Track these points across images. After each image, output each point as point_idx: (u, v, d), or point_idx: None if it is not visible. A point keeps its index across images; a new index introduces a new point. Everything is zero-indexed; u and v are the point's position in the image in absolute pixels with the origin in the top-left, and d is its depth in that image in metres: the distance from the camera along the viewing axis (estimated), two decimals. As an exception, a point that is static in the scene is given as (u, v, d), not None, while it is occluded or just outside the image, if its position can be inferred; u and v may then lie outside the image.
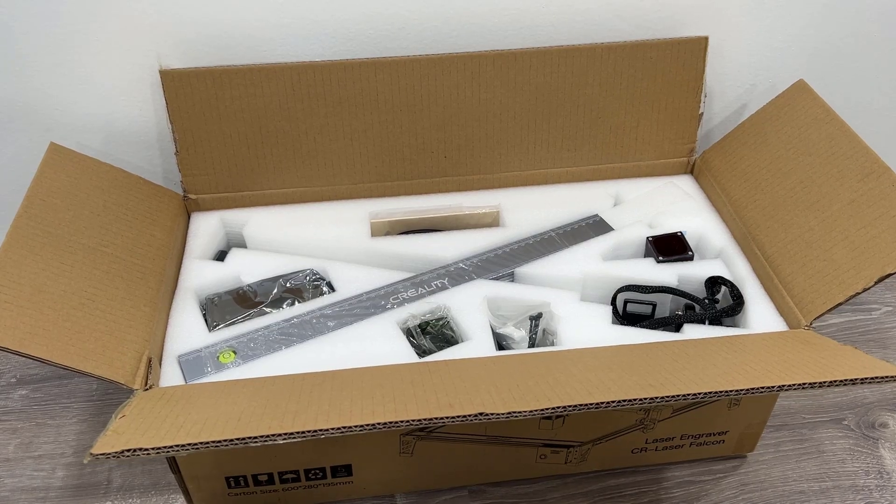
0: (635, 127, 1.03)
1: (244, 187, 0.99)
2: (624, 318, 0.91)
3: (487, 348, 0.82)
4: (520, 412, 0.62)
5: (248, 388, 0.72)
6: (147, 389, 0.74)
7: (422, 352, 0.83)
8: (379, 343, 0.82)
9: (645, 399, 0.64)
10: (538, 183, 1.05)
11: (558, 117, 1.01)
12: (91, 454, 0.59)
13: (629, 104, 1.01)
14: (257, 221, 0.99)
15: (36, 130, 0.99)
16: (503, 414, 0.62)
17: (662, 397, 0.64)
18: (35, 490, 0.88)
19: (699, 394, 0.64)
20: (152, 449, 0.59)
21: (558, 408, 0.63)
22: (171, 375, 0.79)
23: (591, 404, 0.63)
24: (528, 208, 1.01)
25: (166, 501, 0.86)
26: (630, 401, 0.63)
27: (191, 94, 0.92)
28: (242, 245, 0.99)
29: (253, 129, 0.95)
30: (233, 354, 0.81)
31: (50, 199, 0.83)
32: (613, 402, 0.63)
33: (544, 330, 0.88)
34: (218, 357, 0.81)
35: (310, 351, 0.81)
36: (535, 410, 0.62)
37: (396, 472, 0.83)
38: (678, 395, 0.64)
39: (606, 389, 0.65)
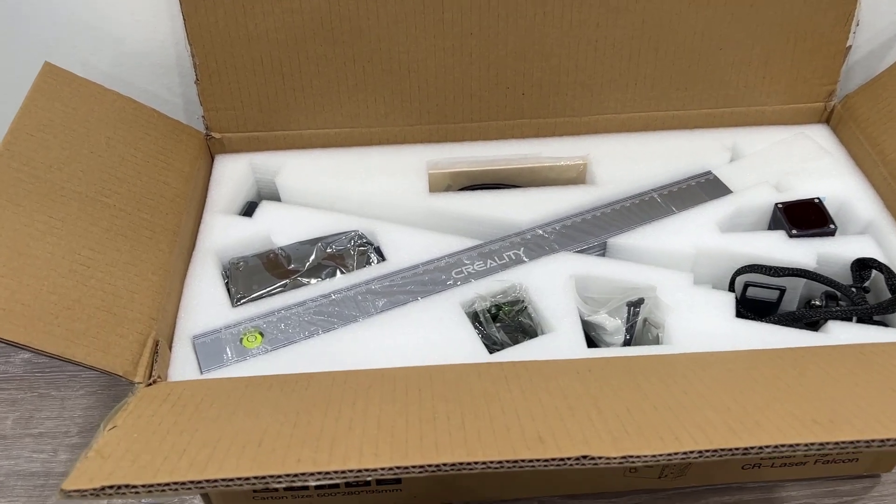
0: (764, 62, 0.82)
1: (278, 126, 0.82)
2: (742, 304, 0.72)
3: (576, 345, 0.65)
4: (638, 456, 0.46)
5: (274, 390, 0.56)
6: (151, 384, 0.59)
7: (492, 343, 0.66)
8: (439, 331, 0.66)
9: (813, 444, 0.46)
10: (638, 129, 0.85)
11: (668, 46, 0.80)
12: (63, 490, 0.44)
13: (759, 32, 0.80)
14: (293, 168, 0.82)
15: (30, 48, 0.82)
16: (616, 458, 0.46)
17: (838, 443, 0.46)
18: (33, 476, 0.76)
19: (888, 440, 0.46)
20: (143, 487, 0.44)
21: (692, 452, 0.46)
22: (183, 361, 0.64)
23: (737, 449, 0.46)
24: (625, 161, 0.82)
25: (181, 501, 0.73)
26: (793, 445, 0.46)
27: (213, 8, 0.74)
28: (275, 197, 0.82)
29: (289, 53, 0.77)
30: (259, 337, 0.66)
31: (39, 135, 0.67)
32: (769, 446, 0.46)
33: (646, 320, 0.70)
34: (241, 340, 0.65)
35: (353, 337, 0.65)
36: (661, 455, 0.46)
37: (454, 480, 0.68)
38: (860, 441, 0.46)
39: (755, 425, 0.48)
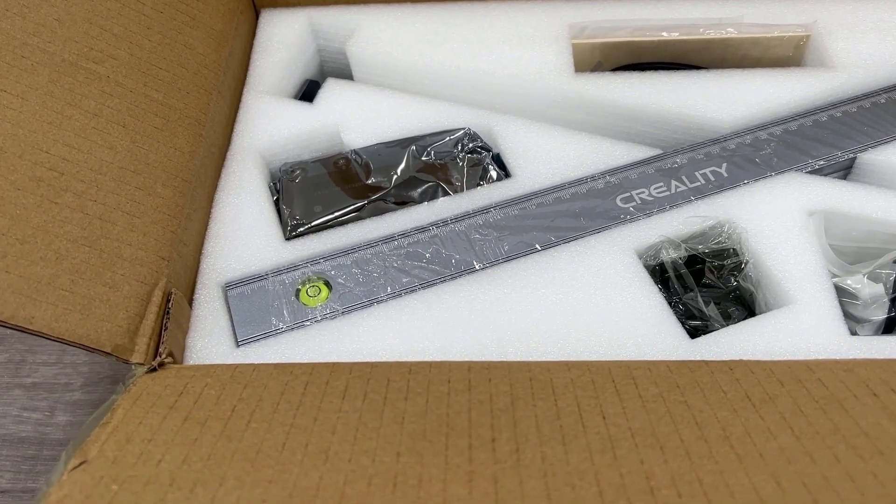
0: None
1: (351, -33, 0.56)
2: None
3: (832, 329, 0.40)
4: None
5: (354, 392, 0.34)
6: (156, 368, 0.37)
7: (688, 318, 0.42)
8: (601, 295, 0.42)
9: None
10: (895, -16, 0.56)
11: None
12: None
13: None
14: (372, 31, 0.56)
15: None
16: None
17: None
18: (23, 442, 0.57)
19: None
20: None
21: None
22: (209, 325, 0.42)
23: None
24: (873, 34, 0.54)
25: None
26: None
27: None
28: (347, 74, 0.57)
29: None
30: (325, 290, 0.43)
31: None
32: None
33: (927, 288, 0.44)
34: (298, 293, 0.43)
35: (468, 297, 0.42)
36: None
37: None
38: None
39: None
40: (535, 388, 0.34)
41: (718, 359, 0.39)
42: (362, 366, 0.36)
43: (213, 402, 0.34)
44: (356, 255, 0.44)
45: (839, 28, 0.54)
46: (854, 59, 0.53)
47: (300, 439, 0.31)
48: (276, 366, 0.36)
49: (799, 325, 0.40)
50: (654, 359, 0.39)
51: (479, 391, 0.34)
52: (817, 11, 0.55)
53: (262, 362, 0.40)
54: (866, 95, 0.51)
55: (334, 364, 0.36)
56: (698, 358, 0.39)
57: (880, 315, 0.44)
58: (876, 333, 0.45)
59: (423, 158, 0.49)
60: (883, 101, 0.51)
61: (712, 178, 0.47)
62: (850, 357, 0.39)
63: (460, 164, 0.49)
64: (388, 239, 0.45)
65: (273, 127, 0.51)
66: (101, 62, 0.44)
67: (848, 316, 0.46)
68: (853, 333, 0.45)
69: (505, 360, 0.39)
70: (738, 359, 0.37)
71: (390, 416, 0.32)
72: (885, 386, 0.34)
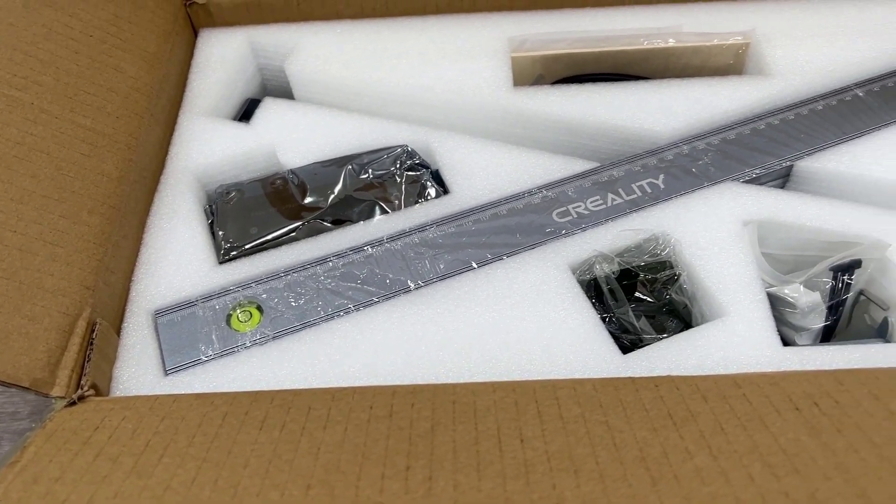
0: None
1: (288, -15, 0.55)
2: None
3: (764, 340, 0.40)
4: None
5: (278, 421, 0.33)
6: (76, 402, 0.36)
7: (622, 332, 0.42)
8: (535, 311, 0.41)
9: None
10: (831, -10, 0.57)
11: None
12: None
13: None
14: (311, 49, 0.56)
15: None
16: None
17: None
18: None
19: None
20: None
21: None
22: (137, 354, 0.41)
23: None
24: (810, 40, 0.54)
25: None
26: None
27: None
28: (286, 93, 0.57)
29: None
30: (257, 314, 0.42)
31: None
32: None
33: (862, 295, 0.44)
34: (229, 318, 0.42)
35: (401, 318, 0.42)
36: None
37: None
38: None
39: None
40: (456, 412, 0.33)
41: (650, 374, 0.38)
42: (285, 394, 0.35)
43: (129, 436, 0.33)
44: (289, 277, 0.44)
45: (778, 35, 0.54)
46: (792, 66, 0.53)
47: (210, 474, 0.30)
48: (197, 396, 0.36)
49: (731, 337, 0.40)
50: (586, 375, 0.39)
51: (401, 417, 0.33)
52: (757, 19, 0.55)
53: (187, 392, 0.39)
54: (804, 102, 0.51)
55: (256, 393, 0.35)
56: (630, 373, 0.39)
57: (818, 323, 0.44)
58: (815, 342, 0.45)
59: (361, 177, 0.49)
60: (820, 107, 0.51)
61: (649, 190, 0.47)
62: (783, 368, 0.39)
63: (398, 181, 0.49)
64: (322, 260, 0.44)
65: (209, 149, 0.50)
66: (24, 89, 0.44)
67: (787, 325, 0.46)
68: (792, 343, 0.45)
69: (436, 381, 0.39)
70: (666, 374, 0.37)
71: (306, 446, 0.32)
72: (808, 399, 0.33)
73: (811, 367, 0.38)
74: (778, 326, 0.46)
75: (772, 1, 0.57)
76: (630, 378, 0.36)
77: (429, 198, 0.48)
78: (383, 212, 0.48)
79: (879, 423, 0.32)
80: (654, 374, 0.38)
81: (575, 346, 0.40)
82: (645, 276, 0.42)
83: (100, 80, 0.47)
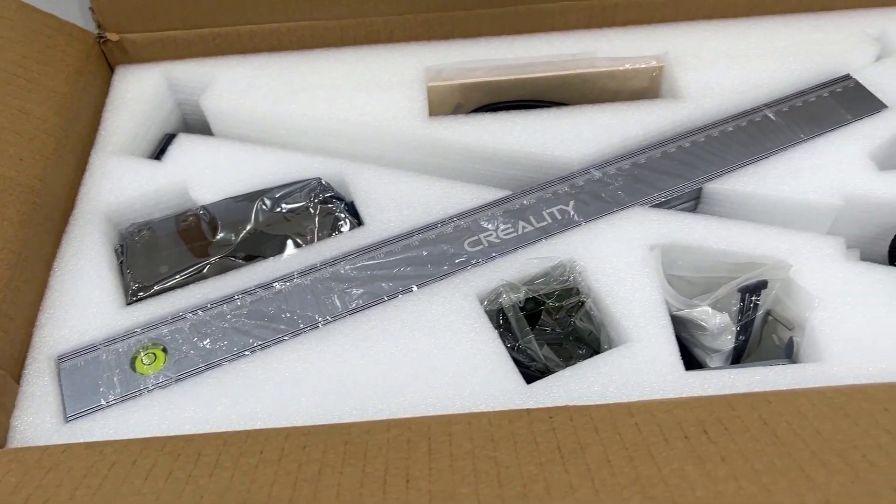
0: None
1: (203, 20, 0.55)
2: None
3: (667, 364, 0.40)
4: None
5: (174, 471, 0.32)
6: (-37, 455, 0.35)
7: (528, 361, 0.42)
8: (441, 342, 0.41)
9: None
10: (739, 14, 0.58)
11: None
12: None
13: None
14: (227, 84, 0.56)
15: None
16: None
17: None
18: None
19: None
20: None
21: None
22: (38, 400, 0.40)
23: None
24: (721, 62, 0.55)
25: None
26: None
27: None
28: (207, 128, 0.56)
29: None
30: (161, 356, 0.42)
31: None
32: None
33: (769, 315, 0.45)
34: (133, 362, 0.41)
35: (307, 356, 0.41)
36: None
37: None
38: None
39: None
40: (347, 454, 0.33)
41: (553, 403, 0.38)
42: (177, 440, 0.35)
43: (10, 491, 0.32)
44: (195, 317, 0.43)
45: (690, 58, 0.55)
46: (703, 89, 0.54)
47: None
48: (87, 445, 0.35)
49: (635, 362, 0.40)
50: (491, 407, 0.39)
51: (290, 461, 0.33)
52: (670, 42, 0.56)
53: (86, 440, 0.39)
54: (715, 124, 0.52)
55: (147, 440, 0.35)
56: (533, 403, 0.39)
57: (728, 345, 0.45)
58: (726, 363, 0.45)
59: (274, 211, 0.49)
60: (730, 129, 0.51)
61: (559, 217, 0.47)
62: (684, 393, 0.39)
63: (312, 214, 0.48)
64: (230, 299, 0.44)
65: (120, 187, 0.50)
66: (-79, 134, 0.43)
67: (700, 346, 0.46)
68: (705, 365, 0.46)
69: (339, 420, 0.38)
70: (564, 405, 0.37)
71: (189, 495, 0.31)
72: (699, 427, 0.33)
73: (712, 390, 0.39)
74: (691, 348, 0.47)
75: (684, 24, 0.58)
76: (525, 410, 0.36)
77: (343, 230, 0.48)
78: (297, 246, 0.47)
79: (763, 449, 0.32)
80: (557, 404, 0.38)
81: (481, 377, 0.40)
82: (550, 303, 0.42)
83: (3, 122, 0.47)
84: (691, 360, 0.47)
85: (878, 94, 0.53)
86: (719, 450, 0.32)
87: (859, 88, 0.54)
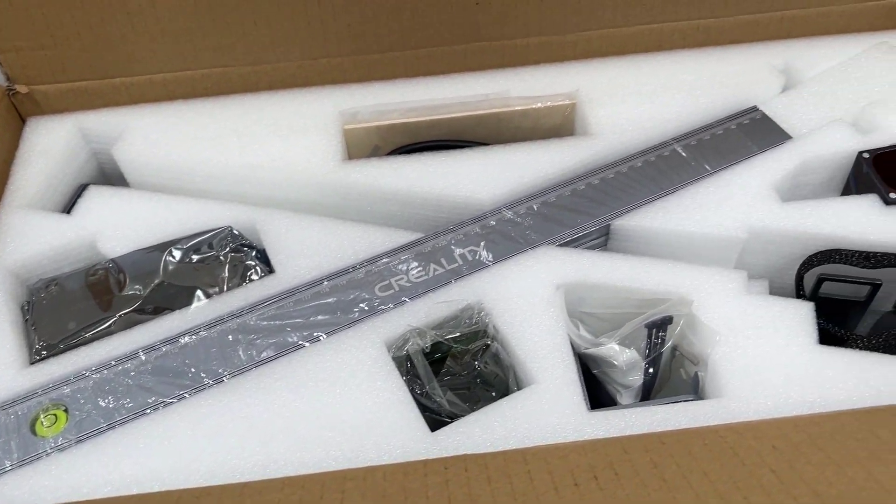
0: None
1: (115, 70, 0.55)
2: (815, 306, 0.47)
3: (570, 406, 0.40)
4: None
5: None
6: None
7: (437, 407, 0.42)
8: (347, 392, 0.41)
9: None
10: (648, 50, 0.59)
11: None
12: None
13: None
14: (141, 132, 0.56)
15: None
16: None
17: None
18: None
19: None
20: None
21: None
22: (-69, 470, 0.39)
23: None
24: (631, 98, 0.56)
25: None
26: None
27: None
28: (120, 178, 0.56)
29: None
30: (63, 417, 0.41)
31: None
32: None
33: (676, 351, 0.45)
34: (33, 424, 0.41)
35: (208, 411, 0.41)
36: None
37: None
38: None
39: None
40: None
41: (455, 450, 0.38)
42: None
43: None
44: (99, 375, 0.43)
45: (601, 95, 0.56)
46: (613, 125, 0.54)
47: None
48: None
49: (539, 405, 0.40)
50: (395, 458, 0.39)
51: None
52: (582, 80, 0.57)
53: (-24, 510, 0.38)
54: (624, 160, 0.53)
55: (34, 510, 0.34)
56: (437, 451, 0.38)
57: (638, 381, 0.45)
58: (636, 398, 0.46)
59: (184, 261, 0.48)
60: (639, 164, 0.52)
61: (470, 258, 0.47)
62: (587, 434, 0.39)
63: (223, 263, 0.48)
64: (134, 355, 0.43)
65: (27, 243, 0.49)
66: None
67: (611, 383, 0.47)
68: (615, 402, 0.46)
69: (239, 479, 0.38)
70: (462, 453, 0.37)
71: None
72: (589, 473, 0.34)
73: (614, 431, 0.39)
74: (605, 385, 0.47)
75: (596, 61, 0.59)
76: (422, 461, 0.36)
77: (253, 279, 0.48)
78: (207, 296, 0.47)
79: (650, 495, 0.32)
80: (459, 451, 0.38)
81: (385, 427, 0.40)
82: (456, 348, 0.43)
83: None
84: (605, 397, 0.47)
85: (784, 125, 0.54)
86: (606, 497, 0.32)
87: (765, 120, 0.55)
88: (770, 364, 0.41)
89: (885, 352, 0.44)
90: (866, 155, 0.51)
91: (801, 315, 0.43)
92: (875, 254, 0.47)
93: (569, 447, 0.36)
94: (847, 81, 0.57)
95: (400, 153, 0.56)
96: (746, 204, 0.49)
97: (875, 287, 0.49)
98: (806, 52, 0.59)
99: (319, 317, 0.45)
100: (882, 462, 0.32)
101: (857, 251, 0.47)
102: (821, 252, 0.48)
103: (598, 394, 0.48)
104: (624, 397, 0.46)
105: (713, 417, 0.39)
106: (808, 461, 0.33)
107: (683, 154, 0.53)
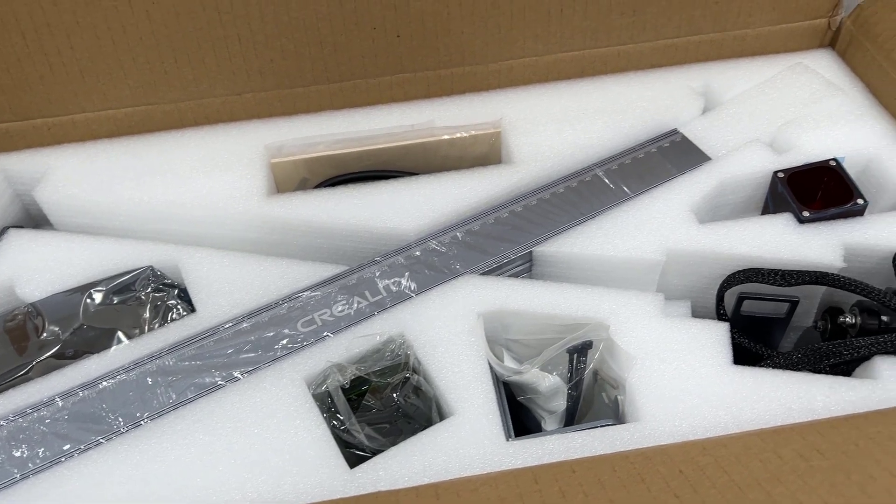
0: (743, -35, 0.57)
1: (35, 110, 0.55)
2: (736, 325, 0.48)
3: (490, 436, 0.40)
4: None
5: None
6: None
7: (357, 443, 0.42)
8: (264, 432, 0.41)
9: None
10: (569, 76, 0.60)
11: (605, -49, 0.54)
12: None
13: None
14: (63, 172, 0.55)
15: None
16: None
17: None
18: None
19: None
20: None
21: None
22: None
23: None
24: (553, 125, 0.57)
25: None
26: None
27: None
28: (45, 219, 0.55)
29: (25, -3, 0.50)
30: (-27, 470, 0.40)
31: None
32: None
33: (597, 376, 0.46)
34: (-58, 478, 0.40)
35: (124, 458, 0.40)
36: None
37: None
38: None
39: None
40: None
41: (374, 486, 0.38)
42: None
43: None
44: (13, 424, 0.42)
45: (523, 122, 0.57)
46: (536, 152, 0.55)
47: None
48: None
49: (458, 436, 0.40)
50: (312, 498, 0.38)
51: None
52: (506, 108, 0.58)
53: None
54: (546, 187, 0.53)
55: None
56: (356, 488, 0.38)
57: (561, 406, 0.45)
58: (560, 424, 0.46)
59: (104, 303, 0.48)
60: (561, 190, 0.53)
61: (394, 290, 0.47)
62: (505, 465, 0.39)
63: (144, 303, 0.48)
64: (50, 401, 0.43)
65: (-56, 290, 0.48)
66: None
67: (534, 407, 0.47)
68: (541, 428, 0.46)
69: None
70: (376, 490, 0.37)
71: None
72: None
73: (531, 460, 0.39)
74: (533, 411, 0.47)
75: (519, 89, 0.60)
76: (336, 501, 0.36)
77: (175, 318, 0.47)
78: (128, 338, 0.46)
79: (554, 526, 0.32)
80: (378, 487, 0.38)
81: (304, 467, 0.39)
82: (376, 382, 0.43)
83: None
84: (533, 423, 0.47)
85: (703, 147, 0.55)
86: (512, 530, 0.32)
87: (685, 142, 0.56)
88: (685, 386, 0.42)
89: (806, 366, 0.45)
90: (781, 174, 0.52)
91: (716, 336, 0.44)
92: (790, 272, 0.48)
93: (481, 479, 0.36)
94: (764, 102, 0.58)
95: (328, 185, 0.56)
96: (665, 226, 0.50)
97: (793, 304, 0.50)
98: (724, 74, 0.60)
99: (239, 356, 0.44)
100: (782, 483, 0.33)
101: (772, 270, 0.48)
102: (739, 272, 0.49)
103: (526, 420, 0.48)
104: (548, 423, 0.46)
105: (630, 442, 0.40)
106: (713, 484, 0.33)
107: (605, 179, 0.54)
